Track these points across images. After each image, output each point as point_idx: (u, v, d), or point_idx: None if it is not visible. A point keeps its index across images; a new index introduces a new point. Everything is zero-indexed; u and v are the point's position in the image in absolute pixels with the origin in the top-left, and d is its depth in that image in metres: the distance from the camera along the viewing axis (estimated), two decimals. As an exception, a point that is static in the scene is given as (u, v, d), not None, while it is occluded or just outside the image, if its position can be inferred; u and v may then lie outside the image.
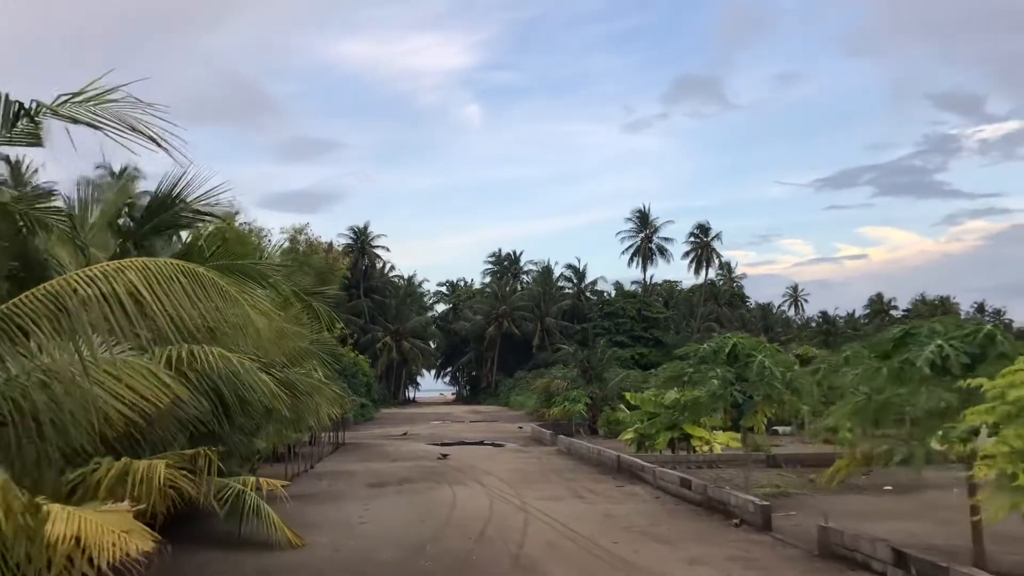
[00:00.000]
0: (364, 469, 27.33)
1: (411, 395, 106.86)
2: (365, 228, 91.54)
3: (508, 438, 42.34)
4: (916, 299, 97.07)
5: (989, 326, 11.39)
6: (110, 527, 6.44)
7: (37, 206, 9.11)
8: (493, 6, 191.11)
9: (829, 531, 12.75)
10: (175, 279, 7.15)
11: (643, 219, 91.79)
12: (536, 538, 14.70)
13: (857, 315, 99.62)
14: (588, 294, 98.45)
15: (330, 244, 72.32)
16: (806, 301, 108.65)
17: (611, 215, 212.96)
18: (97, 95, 6.73)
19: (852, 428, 23.62)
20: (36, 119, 7.36)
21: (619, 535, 14.91)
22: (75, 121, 6.74)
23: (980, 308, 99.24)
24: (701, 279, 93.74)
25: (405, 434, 45.54)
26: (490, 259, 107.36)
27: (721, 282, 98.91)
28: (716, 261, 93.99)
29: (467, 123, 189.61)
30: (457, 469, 26.77)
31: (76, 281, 7.20)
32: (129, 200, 12.46)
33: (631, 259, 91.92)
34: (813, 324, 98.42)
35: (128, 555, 6.31)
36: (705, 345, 18.00)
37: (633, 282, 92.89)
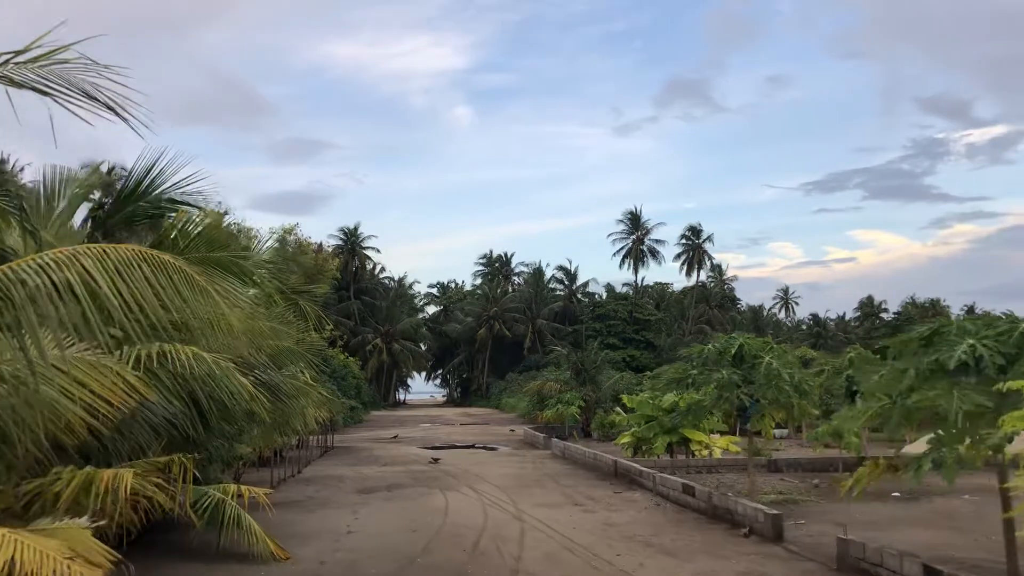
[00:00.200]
0: (353, 474, 26.45)
1: (402, 397, 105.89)
2: (355, 229, 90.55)
3: (500, 441, 41.49)
4: (906, 302, 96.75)
5: (1024, 324, 10.63)
6: (54, 551, 5.59)
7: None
8: (485, 8, 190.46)
9: (850, 543, 11.93)
10: (136, 267, 6.30)
11: (635, 221, 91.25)
12: (534, 549, 13.88)
13: (848, 317, 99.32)
14: (579, 296, 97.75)
15: (320, 245, 71.37)
16: (796, 303, 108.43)
17: (602, 217, 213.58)
18: (44, 54, 5.86)
19: (857, 433, 23.12)
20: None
21: (621, 546, 14.11)
22: (15, 84, 5.86)
23: (970, 311, 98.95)
24: (692, 281, 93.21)
25: (396, 437, 44.66)
26: (481, 260, 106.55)
27: (712, 284, 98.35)
28: (708, 263, 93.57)
29: (459, 124, 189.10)
30: (449, 474, 25.92)
31: (24, 270, 6.33)
32: (104, 182, 11.56)
33: (623, 261, 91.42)
34: (804, 327, 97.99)
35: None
36: (710, 346, 17.20)
37: (624, 284, 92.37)
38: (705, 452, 27.27)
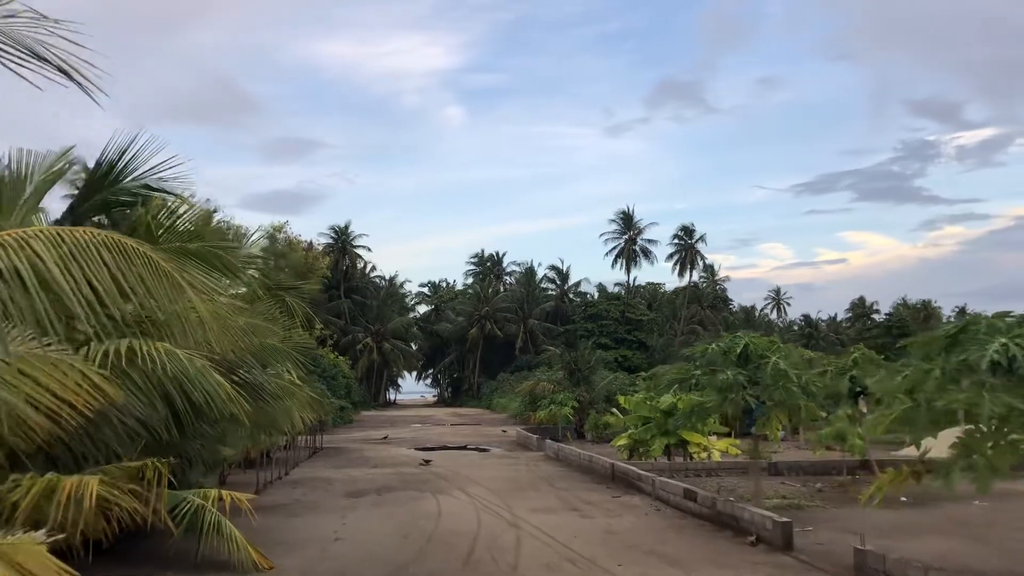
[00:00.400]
0: (342, 476, 25.68)
1: (392, 397, 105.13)
2: (346, 228, 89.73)
3: (492, 442, 40.77)
4: (898, 303, 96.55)
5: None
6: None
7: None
8: (477, 7, 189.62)
9: (867, 554, 11.26)
10: (92, 250, 5.56)
11: (627, 221, 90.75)
12: (531, 559, 13.16)
13: (839, 318, 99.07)
14: (571, 296, 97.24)
15: (310, 243, 70.54)
16: (788, 304, 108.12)
17: (594, 217, 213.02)
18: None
19: (861, 436, 22.51)
20: None
21: (623, 555, 13.42)
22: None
23: (962, 312, 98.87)
24: (685, 281, 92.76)
25: (386, 438, 43.91)
26: (473, 260, 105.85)
27: (705, 285, 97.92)
28: (700, 263, 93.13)
29: (450, 124, 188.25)
30: (441, 476, 25.18)
31: (-33, 254, 5.60)
32: (70, 167, 10.77)
33: (615, 261, 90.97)
34: (795, 327, 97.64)
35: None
36: (714, 345, 16.53)
37: (616, 284, 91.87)
38: (703, 455, 26.69)
